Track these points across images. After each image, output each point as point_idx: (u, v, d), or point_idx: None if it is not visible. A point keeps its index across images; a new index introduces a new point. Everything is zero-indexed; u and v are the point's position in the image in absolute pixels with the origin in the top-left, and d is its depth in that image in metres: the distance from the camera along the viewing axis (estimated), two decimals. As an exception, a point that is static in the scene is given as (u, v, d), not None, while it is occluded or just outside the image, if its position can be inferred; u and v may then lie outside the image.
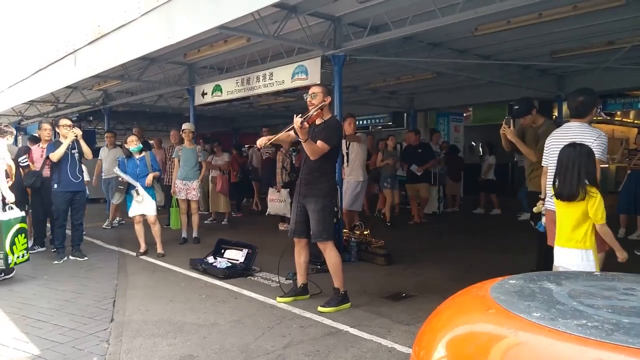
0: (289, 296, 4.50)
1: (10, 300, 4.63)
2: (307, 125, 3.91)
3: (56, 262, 6.20)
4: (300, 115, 3.88)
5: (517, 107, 5.16)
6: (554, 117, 11.08)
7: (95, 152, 9.25)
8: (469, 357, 1.19)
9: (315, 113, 3.98)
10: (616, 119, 15.87)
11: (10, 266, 5.29)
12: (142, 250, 6.64)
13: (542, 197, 3.92)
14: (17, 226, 5.32)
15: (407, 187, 9.38)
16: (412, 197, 9.33)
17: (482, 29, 6.35)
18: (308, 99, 4.21)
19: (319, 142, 4.04)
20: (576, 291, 1.34)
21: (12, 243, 5.22)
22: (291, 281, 4.75)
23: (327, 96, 4.16)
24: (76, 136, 6.26)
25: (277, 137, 4.37)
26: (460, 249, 6.97)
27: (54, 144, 6.37)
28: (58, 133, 6.44)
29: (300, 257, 4.49)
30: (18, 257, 5.29)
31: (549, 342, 1.06)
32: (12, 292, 4.94)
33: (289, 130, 4.19)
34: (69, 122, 6.41)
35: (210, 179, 9.46)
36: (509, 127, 4.71)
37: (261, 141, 4.31)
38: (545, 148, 3.92)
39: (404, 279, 5.35)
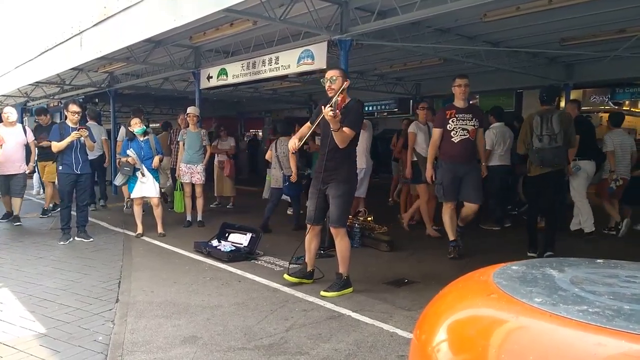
0: (296, 276, 4.51)
1: (16, 280, 4.69)
2: (339, 113, 3.74)
3: (62, 242, 6.26)
4: (329, 105, 3.74)
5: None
6: (561, 105, 10.96)
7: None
8: (470, 341, 1.20)
9: (340, 98, 3.82)
10: (624, 108, 15.73)
11: None
12: (139, 231, 6.69)
13: (613, 169, 6.63)
14: None
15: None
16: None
17: (491, 15, 6.27)
18: (327, 85, 4.07)
19: (345, 128, 3.93)
20: (578, 278, 1.35)
21: None
22: (299, 265, 4.75)
23: (346, 79, 4.05)
24: (80, 136, 6.24)
25: (305, 135, 4.24)
26: (463, 236, 6.96)
27: (59, 127, 6.39)
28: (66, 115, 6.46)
29: (312, 243, 4.48)
30: None
31: (550, 326, 1.06)
32: (18, 271, 5.00)
33: (312, 125, 4.16)
34: (77, 109, 6.38)
35: (217, 163, 9.45)
36: None
37: (293, 144, 4.15)
38: (614, 142, 6.62)
39: (407, 265, 5.37)
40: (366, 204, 7.21)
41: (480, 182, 5.58)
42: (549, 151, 5.22)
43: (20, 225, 7.57)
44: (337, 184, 4.17)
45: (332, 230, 4.29)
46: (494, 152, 7.08)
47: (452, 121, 5.36)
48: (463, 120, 5.37)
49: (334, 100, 3.78)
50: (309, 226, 4.43)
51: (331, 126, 3.81)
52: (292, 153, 6.14)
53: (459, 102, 5.44)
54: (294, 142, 4.17)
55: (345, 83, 4.00)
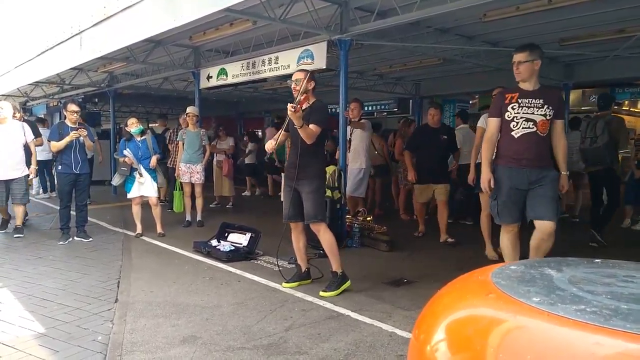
0: (293, 281, 4.52)
1: (16, 280, 4.69)
2: (300, 109, 3.95)
3: (61, 242, 6.26)
4: (292, 103, 3.91)
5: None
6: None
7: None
8: (468, 341, 1.20)
9: (302, 97, 4.02)
10: (624, 108, 15.74)
11: None
12: (138, 231, 6.70)
13: None
14: None
15: (417, 188, 6.79)
16: (423, 204, 6.92)
17: (491, 15, 6.28)
18: (292, 86, 4.23)
19: (311, 125, 4.08)
20: (576, 277, 1.35)
21: None
22: (294, 266, 4.78)
23: (310, 81, 4.17)
24: (79, 136, 6.22)
25: (280, 140, 4.35)
26: (463, 237, 6.97)
27: (58, 126, 6.40)
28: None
29: (299, 241, 4.49)
30: None
31: (548, 326, 1.06)
32: (17, 271, 5.00)
33: (285, 130, 4.28)
34: (76, 108, 6.39)
35: (215, 163, 9.46)
36: None
37: (270, 145, 4.28)
38: None
39: (406, 265, 5.37)
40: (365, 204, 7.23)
41: (556, 193, 3.98)
42: (589, 151, 6.09)
43: (20, 237, 6.58)
44: (310, 180, 4.23)
45: (312, 226, 4.29)
46: (462, 151, 7.21)
47: (513, 108, 3.86)
48: (528, 107, 3.84)
49: (297, 99, 3.93)
50: (291, 225, 4.42)
51: (294, 123, 3.94)
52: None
53: (524, 84, 3.92)
54: (270, 144, 4.30)
55: (309, 84, 4.14)
